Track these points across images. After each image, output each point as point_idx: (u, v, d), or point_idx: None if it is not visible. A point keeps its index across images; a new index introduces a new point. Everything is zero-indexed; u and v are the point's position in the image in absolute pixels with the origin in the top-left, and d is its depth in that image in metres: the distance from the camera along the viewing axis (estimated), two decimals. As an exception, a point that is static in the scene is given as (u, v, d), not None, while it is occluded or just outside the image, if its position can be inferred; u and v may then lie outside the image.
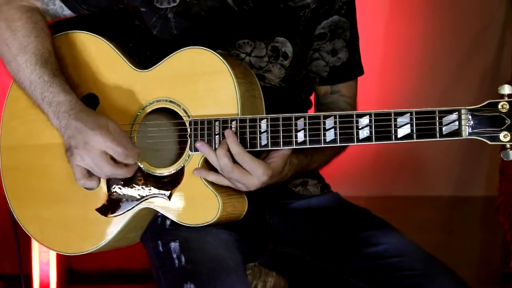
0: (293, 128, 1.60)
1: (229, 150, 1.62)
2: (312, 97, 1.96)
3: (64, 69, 1.78)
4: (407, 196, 3.63)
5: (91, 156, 1.64)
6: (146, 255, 1.76)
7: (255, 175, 1.62)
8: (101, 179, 1.72)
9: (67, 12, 1.84)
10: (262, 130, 1.62)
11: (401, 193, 3.61)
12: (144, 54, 1.87)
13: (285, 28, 1.83)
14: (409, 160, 3.52)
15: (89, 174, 1.68)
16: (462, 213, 3.72)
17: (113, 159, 1.65)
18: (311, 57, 1.90)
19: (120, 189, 1.73)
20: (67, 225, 1.77)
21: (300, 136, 1.60)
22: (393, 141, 1.54)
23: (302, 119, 1.60)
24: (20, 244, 1.90)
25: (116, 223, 1.73)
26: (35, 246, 3.08)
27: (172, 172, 1.69)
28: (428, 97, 3.54)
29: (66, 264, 3.34)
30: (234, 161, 1.62)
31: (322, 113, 1.59)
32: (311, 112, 1.92)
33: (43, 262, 3.08)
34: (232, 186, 1.65)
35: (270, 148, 1.63)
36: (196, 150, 1.67)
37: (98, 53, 1.79)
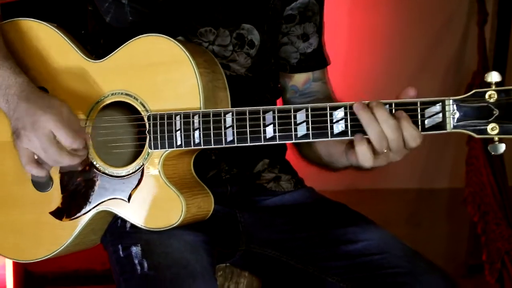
0: (261, 122, 1.50)
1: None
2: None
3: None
4: (372, 189, 3.60)
5: (38, 137, 1.54)
6: (106, 256, 1.69)
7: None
8: (55, 180, 1.63)
9: None
10: (227, 125, 1.52)
11: (366, 186, 3.58)
12: (97, 43, 1.77)
13: (253, 13, 1.72)
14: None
15: (38, 162, 1.58)
16: (428, 206, 3.71)
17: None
18: (280, 42, 1.79)
19: (75, 190, 1.64)
20: (20, 231, 1.68)
21: (269, 131, 1.50)
22: (372, 135, 1.42)
23: (271, 112, 1.50)
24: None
25: (72, 227, 1.64)
26: (-12, 250, 2.95)
27: (131, 171, 1.60)
28: (393, 87, 3.46)
29: (23, 267, 3.23)
30: None
31: (292, 106, 1.49)
32: (280, 101, 1.83)
33: (-2, 266, 2.97)
34: (382, 161, 1.47)
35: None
36: (156, 147, 1.56)
37: (47, 42, 1.68)
